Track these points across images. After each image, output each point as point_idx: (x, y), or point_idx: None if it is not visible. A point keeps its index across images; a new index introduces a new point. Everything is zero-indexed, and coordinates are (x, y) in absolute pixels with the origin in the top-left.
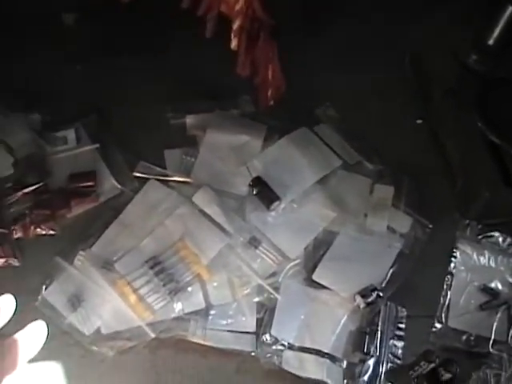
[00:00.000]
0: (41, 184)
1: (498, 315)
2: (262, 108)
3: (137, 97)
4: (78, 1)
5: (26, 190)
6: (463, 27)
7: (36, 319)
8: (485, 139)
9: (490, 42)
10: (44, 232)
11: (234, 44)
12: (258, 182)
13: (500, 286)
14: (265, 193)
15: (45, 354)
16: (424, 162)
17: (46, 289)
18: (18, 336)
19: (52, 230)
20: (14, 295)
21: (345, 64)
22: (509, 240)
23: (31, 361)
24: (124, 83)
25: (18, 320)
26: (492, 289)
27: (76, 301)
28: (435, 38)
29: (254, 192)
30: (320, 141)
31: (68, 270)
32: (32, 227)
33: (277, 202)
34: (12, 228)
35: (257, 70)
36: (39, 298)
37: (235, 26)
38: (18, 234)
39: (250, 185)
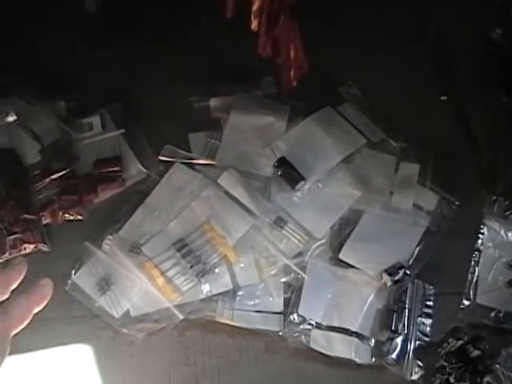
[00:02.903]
0: (67, 170)
1: None
2: (286, 89)
3: (160, 82)
4: None
5: (54, 177)
6: (487, 1)
7: (66, 303)
8: (510, 114)
9: None
10: (72, 217)
11: (254, 25)
12: (283, 163)
13: None
14: (289, 173)
15: (76, 337)
16: (449, 139)
17: (75, 273)
18: (23, 293)
19: (80, 215)
20: None
21: (367, 42)
22: None
23: (62, 345)
24: (147, 69)
25: (49, 303)
26: None
27: (105, 284)
28: (459, 13)
29: (279, 173)
30: (344, 120)
31: (96, 255)
32: (60, 213)
33: (302, 183)
34: (40, 214)
35: (279, 51)
36: (69, 282)
37: (255, 6)
38: (46, 220)
39: (274, 166)
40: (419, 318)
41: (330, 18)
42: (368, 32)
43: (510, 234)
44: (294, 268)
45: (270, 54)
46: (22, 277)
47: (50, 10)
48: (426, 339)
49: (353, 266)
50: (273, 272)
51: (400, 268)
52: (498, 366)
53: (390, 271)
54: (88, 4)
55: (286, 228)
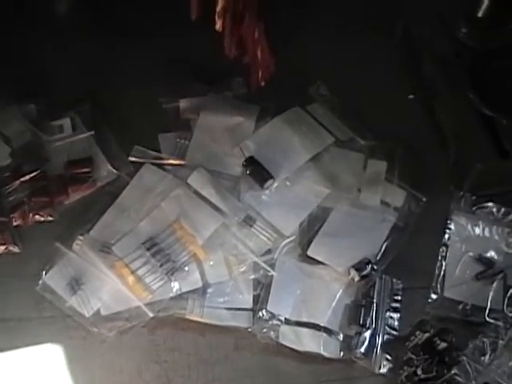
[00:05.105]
0: (38, 172)
1: (494, 284)
2: (254, 89)
3: (130, 83)
4: None
5: (24, 179)
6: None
7: (37, 303)
8: (477, 111)
9: (479, 14)
10: (43, 219)
11: (218, 25)
12: (252, 162)
13: (495, 256)
14: (258, 172)
15: (47, 337)
16: (417, 136)
17: (46, 273)
18: None
19: (50, 216)
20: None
21: (335, 41)
22: (503, 210)
23: (34, 345)
24: (116, 70)
25: (21, 304)
26: (487, 258)
27: (76, 284)
28: (426, 11)
29: (248, 172)
30: (312, 119)
31: (67, 255)
32: (31, 214)
33: (270, 181)
34: (11, 216)
35: (245, 51)
36: (40, 282)
37: (218, 7)
38: (17, 222)
39: (243, 165)
40: (387, 313)
41: (298, 18)
42: (337, 32)
43: (476, 229)
44: (263, 265)
45: (236, 54)
46: None
47: (17, 15)
48: (395, 333)
49: (321, 263)
50: (242, 269)
51: (367, 263)
52: (465, 357)
53: (358, 267)
54: (57, 6)
55: (255, 226)
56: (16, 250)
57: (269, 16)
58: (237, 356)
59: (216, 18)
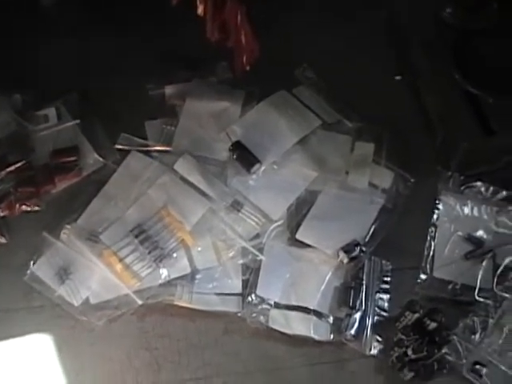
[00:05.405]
0: (24, 162)
1: (483, 263)
2: (239, 73)
3: (115, 71)
4: None
5: (10, 169)
6: None
7: (25, 294)
8: (462, 90)
9: None
10: (29, 209)
11: (200, 10)
12: (238, 147)
13: (484, 235)
14: (245, 157)
15: (36, 327)
16: (404, 117)
17: (34, 264)
18: None
19: (37, 206)
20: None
21: (321, 24)
22: (491, 189)
23: (23, 335)
24: (102, 59)
25: (9, 295)
26: (476, 238)
27: (64, 273)
28: None
29: (235, 156)
30: (299, 102)
31: (55, 244)
32: (17, 205)
33: (257, 165)
34: None
35: (227, 35)
36: (28, 272)
37: None
38: (3, 212)
39: (230, 150)
40: (377, 294)
41: (283, 2)
42: (323, 14)
43: (465, 208)
44: (252, 250)
45: (218, 38)
46: None
47: (3, 6)
48: (385, 314)
49: (310, 246)
50: (230, 254)
51: (356, 245)
52: (455, 337)
53: (347, 249)
54: None
55: (242, 211)
56: (3, 240)
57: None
58: (227, 340)
59: (197, 2)
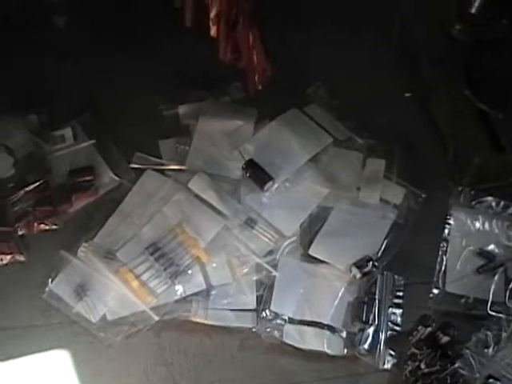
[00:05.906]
0: (41, 182)
1: (495, 277)
2: (252, 93)
3: (129, 91)
4: (68, 3)
5: (28, 189)
6: None
7: (44, 311)
8: (473, 106)
9: (473, 10)
10: (47, 227)
11: (213, 31)
12: (251, 165)
13: (496, 249)
14: (258, 174)
15: (55, 343)
16: (415, 133)
17: (52, 281)
18: None
19: (55, 224)
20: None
21: (331, 42)
22: (502, 203)
23: (42, 351)
24: (116, 79)
25: (27, 312)
26: (488, 252)
27: (81, 291)
28: (422, 9)
29: (248, 174)
30: (310, 120)
31: (72, 262)
32: (35, 223)
33: (270, 183)
34: (16, 225)
35: (240, 56)
36: (46, 290)
37: (212, 13)
38: (22, 231)
39: (243, 168)
40: (390, 309)
41: (295, 19)
42: (334, 33)
43: (476, 223)
44: (266, 266)
45: (231, 59)
46: None
47: (19, 28)
48: (397, 328)
49: (323, 261)
50: (245, 271)
51: (368, 261)
52: (468, 350)
53: (359, 264)
54: (56, 20)
55: (256, 228)
56: (22, 258)
57: (263, 20)
58: (242, 356)
59: (210, 24)
